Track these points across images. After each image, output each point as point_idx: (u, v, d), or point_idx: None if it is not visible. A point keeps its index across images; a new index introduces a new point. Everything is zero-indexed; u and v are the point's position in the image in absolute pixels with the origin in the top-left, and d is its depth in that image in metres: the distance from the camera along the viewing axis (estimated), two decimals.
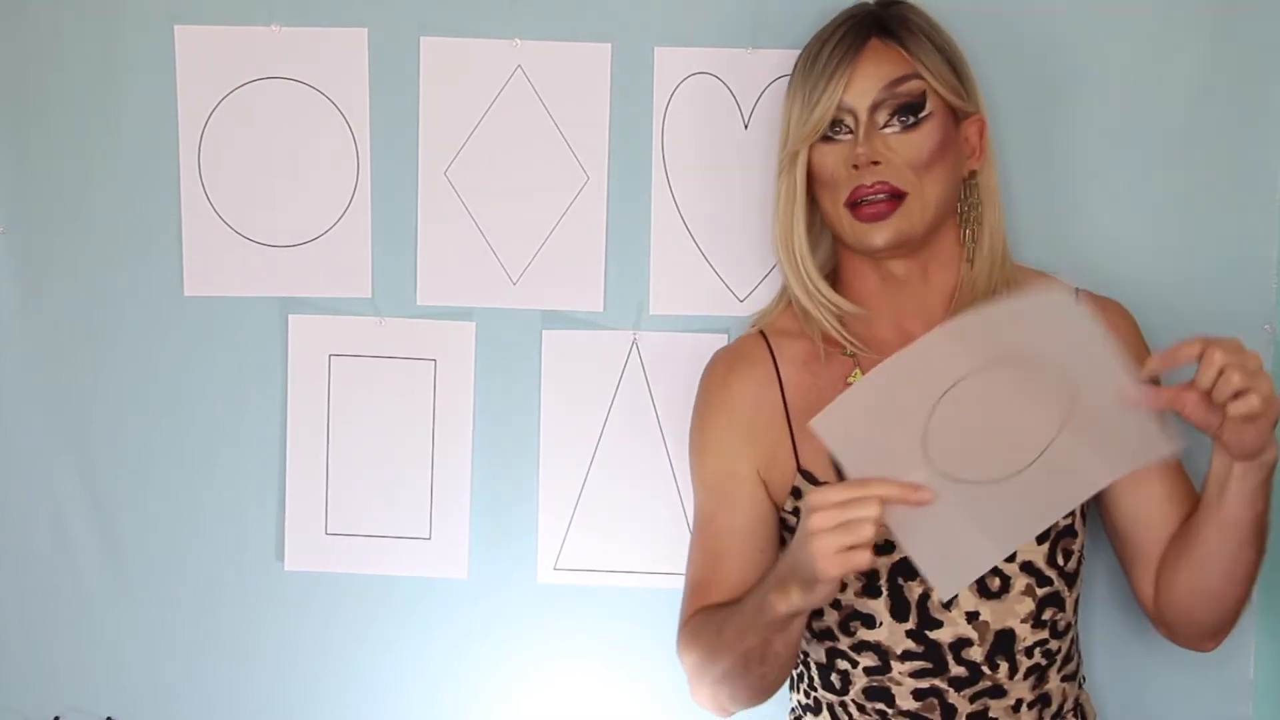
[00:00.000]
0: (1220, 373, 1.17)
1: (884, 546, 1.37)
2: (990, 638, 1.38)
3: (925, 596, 1.38)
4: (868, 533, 1.15)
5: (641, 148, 1.66)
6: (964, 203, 1.44)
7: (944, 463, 1.19)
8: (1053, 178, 1.62)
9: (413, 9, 1.66)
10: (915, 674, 1.39)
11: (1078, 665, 1.47)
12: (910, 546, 1.22)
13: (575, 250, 1.68)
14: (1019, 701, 1.40)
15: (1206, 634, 1.42)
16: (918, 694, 1.40)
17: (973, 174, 1.44)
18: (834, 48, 1.39)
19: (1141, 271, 1.61)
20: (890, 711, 1.41)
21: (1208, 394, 1.18)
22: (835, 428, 1.18)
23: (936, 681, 1.39)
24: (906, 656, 1.39)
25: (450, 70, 1.67)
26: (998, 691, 1.39)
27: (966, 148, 1.42)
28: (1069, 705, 1.44)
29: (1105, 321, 1.32)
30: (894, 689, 1.40)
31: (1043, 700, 1.41)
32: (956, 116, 1.41)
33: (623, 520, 1.69)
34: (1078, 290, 1.44)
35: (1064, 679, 1.43)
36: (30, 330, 1.73)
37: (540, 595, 1.71)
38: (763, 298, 1.65)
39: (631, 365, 1.69)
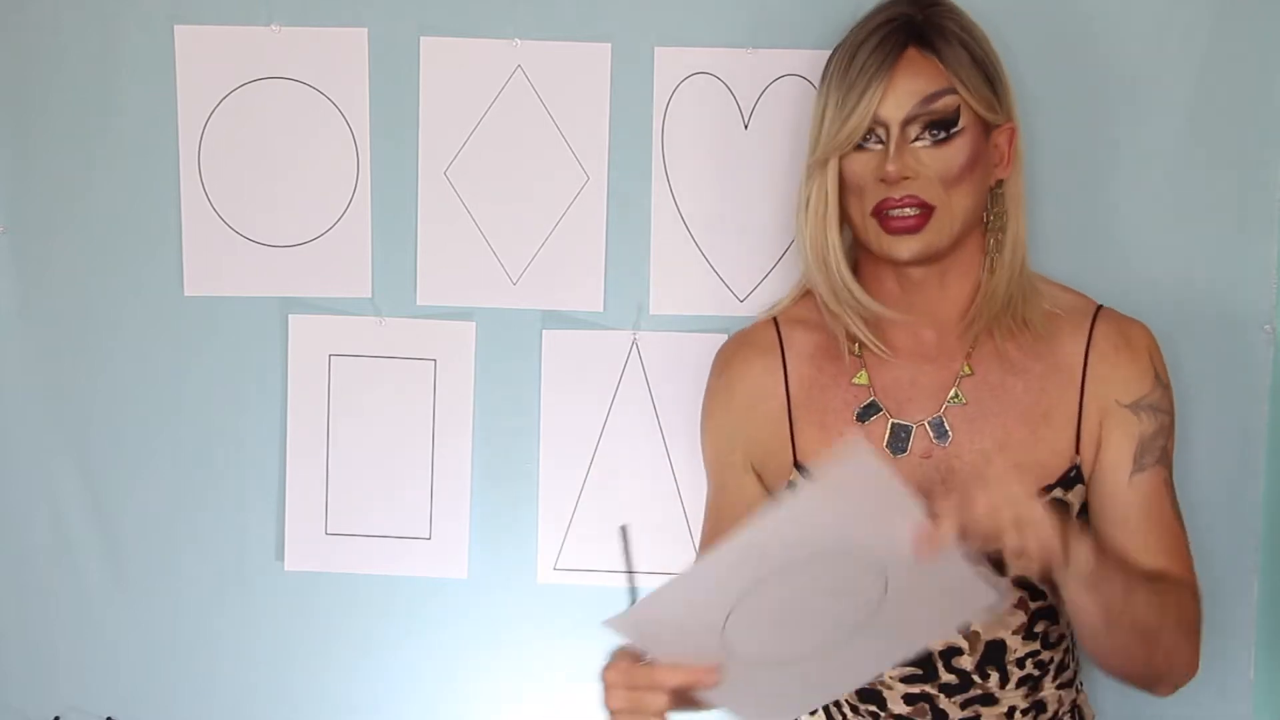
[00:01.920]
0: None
1: None
2: (980, 648, 1.37)
3: None
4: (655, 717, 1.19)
5: (641, 148, 1.66)
6: (989, 211, 1.41)
7: (746, 649, 1.18)
8: (1053, 178, 1.62)
9: (413, 9, 1.66)
10: (905, 679, 1.39)
11: (1075, 671, 1.46)
12: (721, 702, 1.24)
13: (575, 250, 1.68)
14: (1012, 709, 1.39)
15: (1140, 685, 1.38)
16: (909, 699, 1.40)
17: (1000, 182, 1.41)
18: (870, 55, 1.34)
19: (1141, 272, 1.61)
20: (882, 714, 1.41)
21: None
22: (630, 628, 1.20)
23: (927, 687, 1.39)
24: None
25: (450, 70, 1.67)
26: (989, 699, 1.39)
27: (995, 155, 1.39)
28: (1065, 709, 1.44)
29: (1123, 344, 1.37)
30: (885, 692, 1.40)
31: (1037, 707, 1.41)
32: (988, 127, 1.37)
33: (623, 520, 1.69)
34: (1100, 308, 1.41)
35: (1060, 686, 1.43)
36: (30, 330, 1.73)
37: (540, 595, 1.71)
38: (763, 298, 1.65)
39: (631, 365, 1.69)
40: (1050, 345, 1.39)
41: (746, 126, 1.66)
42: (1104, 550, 1.24)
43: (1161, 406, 1.38)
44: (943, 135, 1.34)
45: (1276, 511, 1.62)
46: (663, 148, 1.66)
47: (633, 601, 1.19)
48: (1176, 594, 1.32)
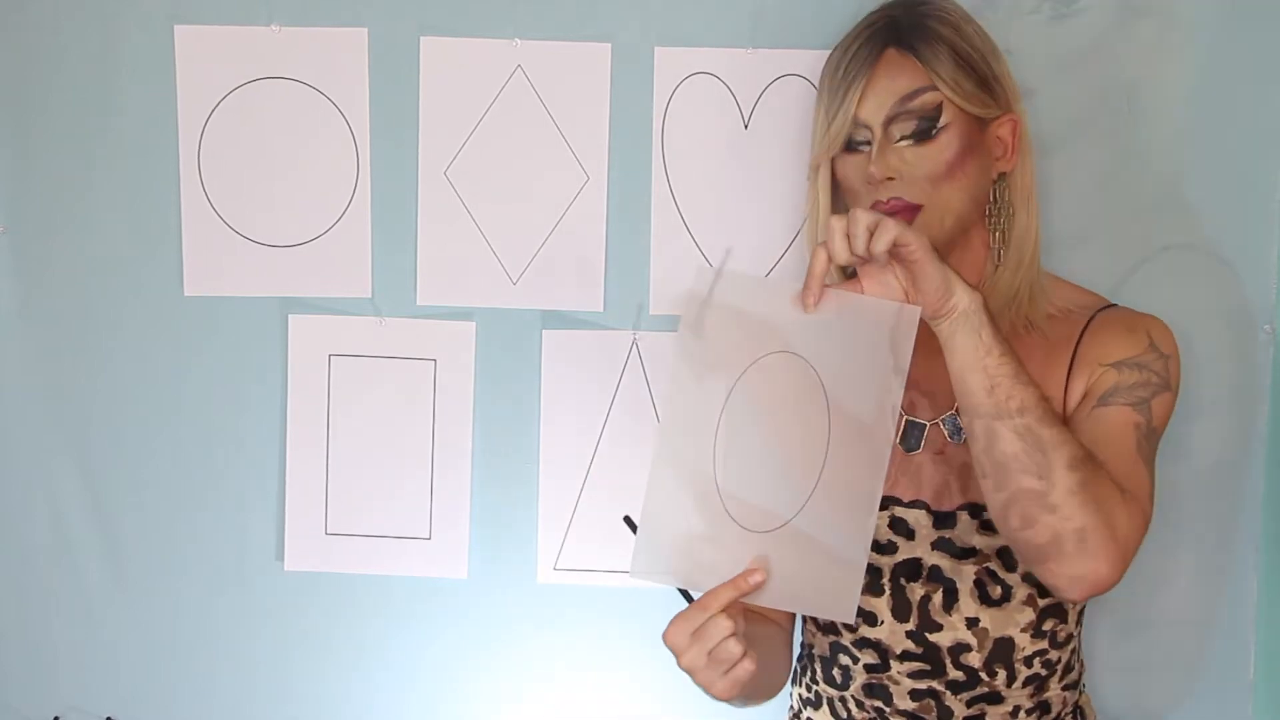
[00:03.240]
0: (851, 233, 1.20)
1: (886, 546, 1.38)
2: (989, 645, 1.38)
3: (927, 599, 1.38)
4: (735, 650, 1.22)
5: (641, 148, 1.66)
6: (993, 205, 1.40)
7: (749, 520, 1.24)
8: (1054, 179, 1.62)
9: (413, 9, 1.66)
10: (913, 675, 1.39)
11: (1080, 674, 1.46)
12: (798, 606, 1.28)
13: (575, 250, 1.68)
14: (1017, 709, 1.39)
15: (1036, 559, 1.24)
16: (915, 694, 1.40)
17: (1003, 175, 1.40)
18: (851, 59, 1.36)
19: (1141, 272, 1.61)
20: (888, 710, 1.41)
21: (864, 260, 1.21)
22: (650, 564, 1.25)
23: (934, 684, 1.39)
24: (905, 657, 1.39)
25: (450, 70, 1.67)
26: (995, 697, 1.39)
27: (998, 148, 1.38)
28: (1067, 711, 1.44)
29: (1118, 324, 1.34)
30: (892, 688, 1.40)
31: (1042, 707, 1.41)
32: (983, 121, 1.37)
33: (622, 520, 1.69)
34: (1111, 305, 1.40)
35: (1065, 688, 1.42)
36: (30, 330, 1.73)
37: (540, 595, 1.71)
38: None
39: (631, 365, 1.69)
40: (1048, 340, 1.38)
41: (746, 126, 1.66)
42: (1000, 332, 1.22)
43: (1151, 367, 1.33)
44: (926, 133, 1.34)
45: (1276, 511, 1.62)
46: (663, 148, 1.66)
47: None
48: (1096, 467, 1.21)
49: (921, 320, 1.25)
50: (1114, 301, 1.43)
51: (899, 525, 1.38)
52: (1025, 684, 1.39)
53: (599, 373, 1.69)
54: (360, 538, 1.72)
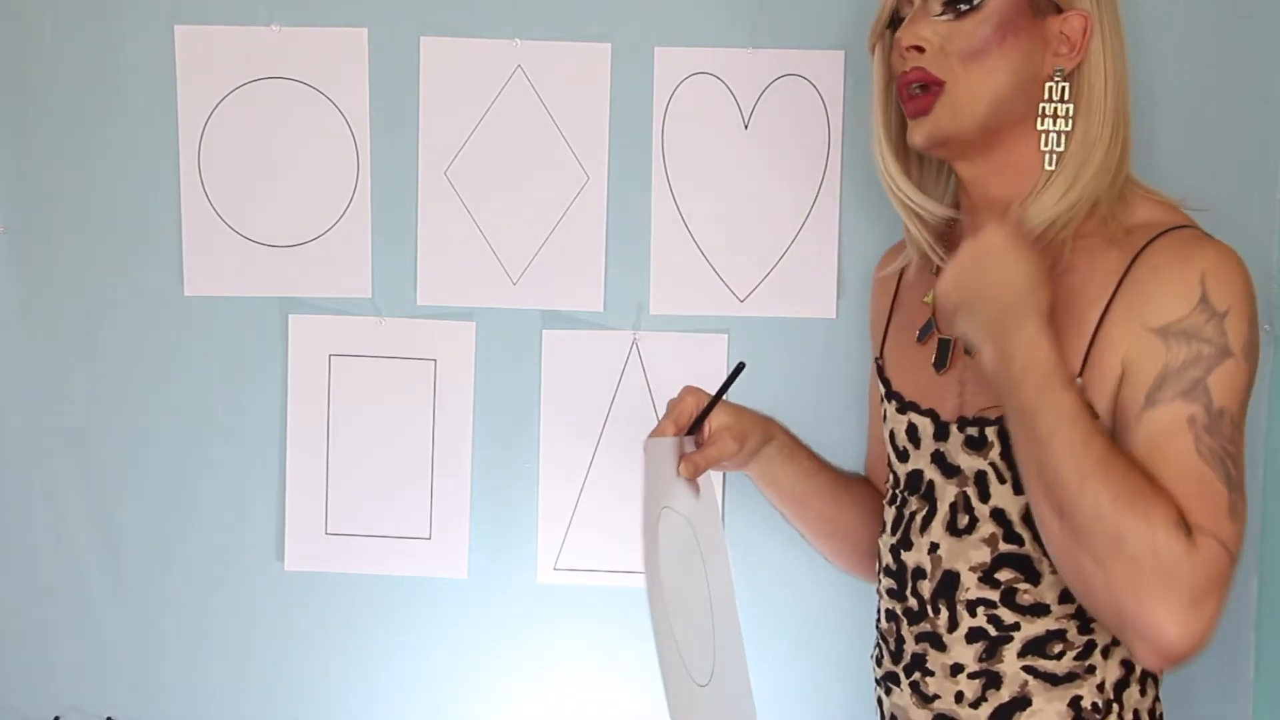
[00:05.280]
0: None
1: (901, 453, 1.37)
2: (939, 575, 1.30)
3: (914, 515, 1.34)
4: None
5: (641, 148, 1.66)
6: (1048, 104, 1.27)
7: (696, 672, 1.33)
8: None
9: (413, 9, 1.66)
10: (888, 592, 1.37)
11: (1075, 679, 1.27)
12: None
13: (575, 250, 1.68)
14: (959, 666, 1.29)
15: (1096, 612, 1.18)
16: (888, 615, 1.37)
17: (1060, 72, 1.26)
18: None
19: None
20: (879, 622, 1.41)
21: None
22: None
23: (896, 607, 1.35)
24: (886, 572, 1.37)
25: (450, 70, 1.67)
26: (938, 642, 1.30)
27: (1060, 44, 1.26)
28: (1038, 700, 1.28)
29: (1172, 260, 1.19)
30: (879, 601, 1.40)
31: (990, 678, 1.27)
32: (1039, 7, 1.25)
33: (623, 520, 1.69)
34: (1178, 227, 1.23)
35: (1030, 672, 1.26)
36: (30, 330, 1.73)
37: (540, 595, 1.71)
38: (763, 298, 1.66)
39: (631, 365, 1.69)
40: (1094, 259, 1.25)
41: (746, 126, 1.66)
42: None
43: (1202, 335, 1.16)
44: (964, 8, 1.24)
45: (1277, 511, 1.62)
46: (663, 148, 1.66)
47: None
48: (1138, 509, 1.10)
49: (956, 234, 1.34)
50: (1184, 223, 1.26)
51: (911, 431, 1.35)
52: (970, 639, 1.28)
53: (599, 373, 1.69)
54: (360, 538, 1.72)
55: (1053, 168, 1.27)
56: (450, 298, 1.70)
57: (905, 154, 1.37)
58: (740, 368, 1.40)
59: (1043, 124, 1.27)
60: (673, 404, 1.41)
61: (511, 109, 1.67)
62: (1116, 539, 1.10)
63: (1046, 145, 1.27)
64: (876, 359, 1.48)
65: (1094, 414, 1.18)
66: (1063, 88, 1.27)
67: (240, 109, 1.69)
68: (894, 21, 1.32)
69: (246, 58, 1.68)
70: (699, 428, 1.41)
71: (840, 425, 1.65)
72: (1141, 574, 1.10)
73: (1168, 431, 1.16)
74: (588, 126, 1.66)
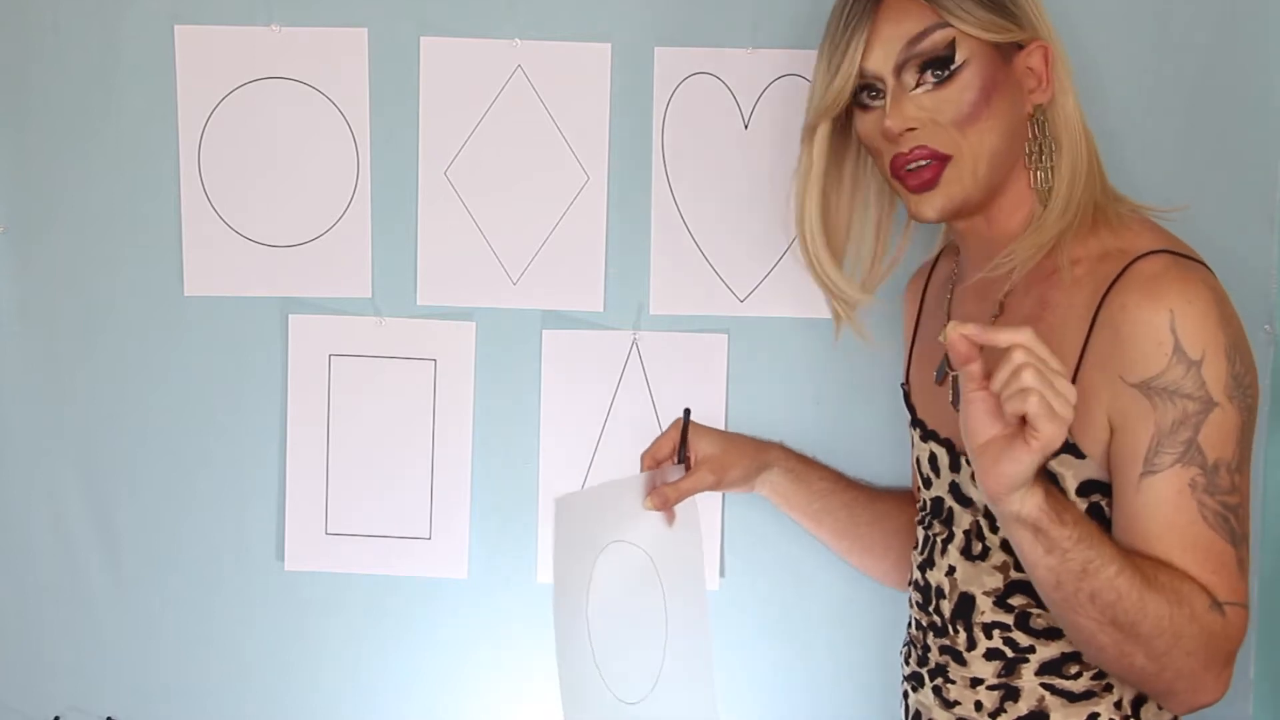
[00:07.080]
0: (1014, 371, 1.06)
1: (926, 480, 1.39)
2: (956, 597, 1.32)
3: (935, 538, 1.36)
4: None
5: (641, 148, 1.66)
6: (1032, 142, 1.27)
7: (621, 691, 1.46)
8: None
9: (413, 9, 1.66)
10: (916, 604, 1.40)
11: (1092, 696, 1.28)
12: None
13: (575, 250, 1.68)
14: (979, 680, 1.31)
15: (1141, 688, 1.24)
16: (916, 624, 1.40)
17: (1040, 108, 1.27)
18: (850, 8, 1.26)
19: None
20: (909, 626, 1.43)
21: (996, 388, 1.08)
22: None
23: (923, 619, 1.38)
24: (915, 586, 1.40)
25: (450, 70, 1.67)
26: (959, 657, 1.33)
27: (1030, 80, 1.26)
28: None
29: (1141, 301, 1.18)
30: (909, 610, 1.42)
31: (1008, 691, 1.29)
32: (1007, 51, 1.25)
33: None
34: (1151, 253, 1.22)
35: (1050, 690, 1.28)
36: (30, 330, 1.73)
37: (540, 595, 1.71)
38: (763, 297, 1.66)
39: (631, 365, 1.69)
40: (1070, 293, 1.24)
41: (746, 126, 1.66)
42: (1060, 509, 1.12)
43: (1183, 390, 1.15)
44: (943, 74, 1.23)
45: (1277, 511, 1.62)
46: (663, 148, 1.66)
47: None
48: (1184, 603, 1.15)
49: (951, 268, 1.38)
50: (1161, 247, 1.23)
51: (933, 460, 1.37)
52: (989, 657, 1.30)
53: (599, 373, 1.69)
54: (360, 538, 1.72)
55: (1047, 204, 1.27)
56: (450, 298, 1.70)
57: (835, 239, 1.41)
58: (687, 413, 1.48)
59: (1029, 161, 1.29)
60: (656, 441, 1.50)
61: (511, 109, 1.67)
62: (1175, 637, 1.15)
63: (1036, 184, 1.28)
64: (903, 384, 1.51)
65: (1105, 527, 1.21)
66: (1041, 123, 1.28)
67: (240, 109, 1.69)
68: (854, 100, 1.30)
69: (246, 58, 1.68)
70: (684, 457, 1.46)
71: (840, 425, 1.65)
72: (1196, 660, 1.16)
73: (1173, 503, 1.17)
74: (587, 126, 1.66)
